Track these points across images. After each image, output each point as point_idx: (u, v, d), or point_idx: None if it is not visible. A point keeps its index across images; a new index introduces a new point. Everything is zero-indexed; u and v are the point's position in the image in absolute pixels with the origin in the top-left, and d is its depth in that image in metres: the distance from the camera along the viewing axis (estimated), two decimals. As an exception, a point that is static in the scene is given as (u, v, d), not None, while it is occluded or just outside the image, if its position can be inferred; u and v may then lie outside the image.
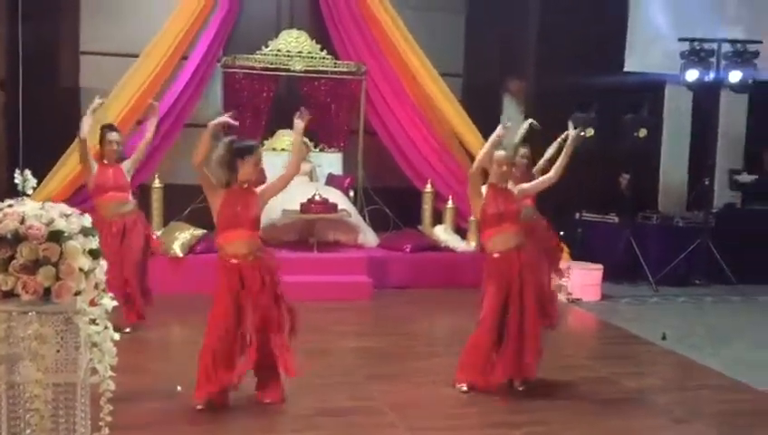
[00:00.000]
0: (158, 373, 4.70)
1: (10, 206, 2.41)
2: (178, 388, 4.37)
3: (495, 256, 4.69)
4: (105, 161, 5.81)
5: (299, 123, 4.49)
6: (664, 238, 8.74)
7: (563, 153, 5.00)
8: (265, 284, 4.25)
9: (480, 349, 4.71)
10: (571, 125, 5.35)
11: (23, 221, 2.32)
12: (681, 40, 8.48)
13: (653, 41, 9.13)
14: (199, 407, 4.22)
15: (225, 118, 4.33)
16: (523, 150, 6.46)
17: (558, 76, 8.58)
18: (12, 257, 2.30)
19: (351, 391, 4.76)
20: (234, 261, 4.23)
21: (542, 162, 6.06)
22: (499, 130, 4.68)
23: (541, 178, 5.03)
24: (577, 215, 8.86)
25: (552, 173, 4.90)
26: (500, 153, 4.71)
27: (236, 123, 4.39)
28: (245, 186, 4.28)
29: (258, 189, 4.36)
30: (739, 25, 8.96)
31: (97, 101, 5.69)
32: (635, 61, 9.16)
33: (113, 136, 5.81)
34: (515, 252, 4.68)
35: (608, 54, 8.94)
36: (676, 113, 9.79)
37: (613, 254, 8.38)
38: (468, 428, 4.27)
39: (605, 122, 8.62)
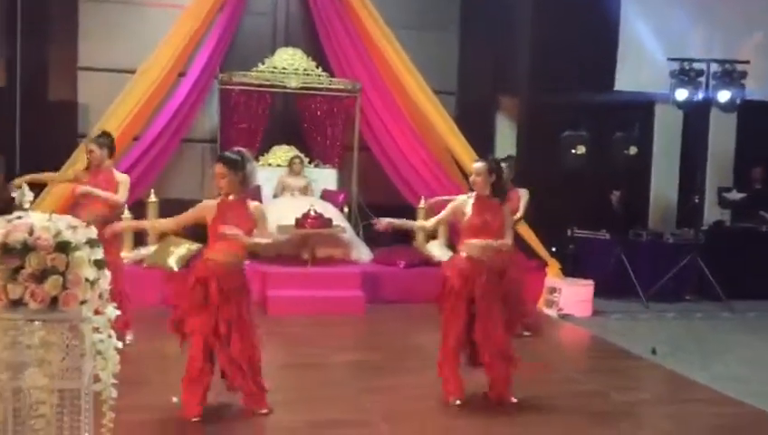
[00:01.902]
0: (154, 385, 4.74)
1: (18, 218, 2.49)
2: (174, 399, 4.41)
3: (463, 255, 4.76)
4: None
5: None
6: (654, 255, 8.85)
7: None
8: (241, 295, 4.36)
9: (449, 358, 4.78)
10: None
11: (31, 232, 2.40)
12: (670, 60, 8.64)
13: (643, 60, 9.29)
14: (195, 419, 4.28)
15: None
16: (505, 165, 6.58)
17: (550, 94, 8.73)
18: (20, 267, 2.38)
19: (344, 403, 4.82)
20: (213, 269, 4.29)
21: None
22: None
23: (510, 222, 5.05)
24: (569, 231, 8.97)
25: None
26: (478, 163, 4.84)
27: None
28: (232, 197, 4.34)
29: (254, 206, 4.42)
30: (725, 46, 9.14)
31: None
32: (625, 79, 9.32)
33: (89, 145, 5.86)
34: (484, 261, 4.74)
35: (599, 73, 9.10)
36: (666, 132, 9.95)
37: (604, 270, 8.48)
38: (459, 439, 4.34)
39: (596, 140, 8.76)
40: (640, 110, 9.44)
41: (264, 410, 4.45)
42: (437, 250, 8.54)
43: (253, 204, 4.42)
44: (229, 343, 4.32)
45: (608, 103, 9.01)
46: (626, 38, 9.36)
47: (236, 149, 4.53)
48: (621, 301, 8.47)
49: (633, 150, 8.85)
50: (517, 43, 9.61)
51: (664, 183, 10.00)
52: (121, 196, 5.82)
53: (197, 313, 4.29)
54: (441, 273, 4.97)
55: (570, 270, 8.45)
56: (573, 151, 8.66)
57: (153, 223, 4.68)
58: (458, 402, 4.76)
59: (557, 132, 8.76)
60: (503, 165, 6.39)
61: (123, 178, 5.93)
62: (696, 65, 8.57)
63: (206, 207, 4.38)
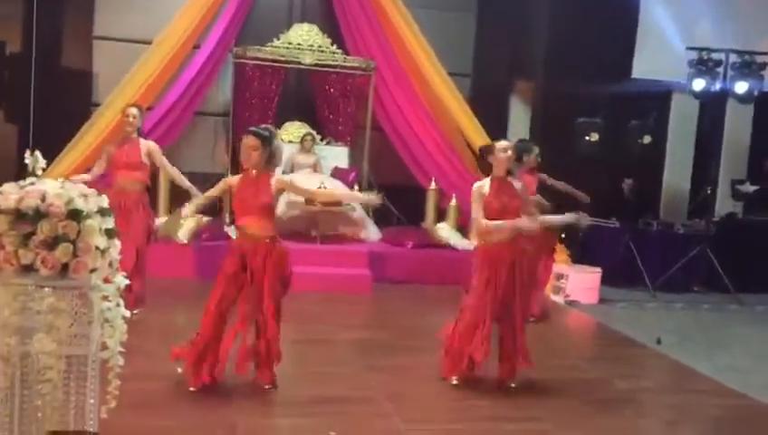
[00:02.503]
0: (159, 355, 4.78)
1: (31, 184, 2.50)
2: (179, 370, 4.46)
3: (487, 246, 4.78)
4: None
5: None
6: (664, 245, 8.81)
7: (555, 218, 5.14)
8: (269, 268, 4.37)
9: (465, 335, 4.80)
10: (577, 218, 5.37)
11: (43, 199, 2.41)
12: (689, 49, 8.55)
13: (661, 48, 9.18)
14: (192, 389, 4.33)
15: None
16: (535, 149, 6.59)
17: (566, 80, 8.66)
18: (32, 233, 2.40)
19: (348, 380, 4.86)
20: (244, 240, 4.37)
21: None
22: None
23: (533, 207, 5.04)
24: (578, 218, 8.92)
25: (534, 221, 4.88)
26: (502, 142, 4.83)
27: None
28: (254, 172, 4.38)
29: (276, 178, 4.45)
30: (744, 37, 9.02)
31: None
32: (642, 67, 9.22)
33: (131, 110, 5.94)
34: (508, 243, 4.76)
35: (615, 60, 9.01)
36: (682, 121, 9.87)
37: (613, 258, 8.45)
38: (461, 420, 4.36)
39: (610, 128, 8.70)
40: (657, 98, 9.37)
41: (269, 386, 4.49)
42: (446, 232, 8.54)
43: (274, 178, 4.45)
44: (253, 317, 4.39)
45: (624, 91, 8.94)
46: (645, 26, 9.26)
47: (264, 126, 4.59)
48: (628, 289, 8.45)
49: (647, 139, 8.81)
50: (534, 27, 9.52)
51: (677, 173, 9.94)
52: (170, 166, 6.20)
53: (222, 284, 4.35)
54: (473, 259, 4.96)
55: (578, 257, 8.43)
56: (587, 138, 8.62)
57: (198, 200, 4.84)
58: (455, 382, 4.78)
59: (571, 118, 8.71)
60: (537, 150, 6.49)
61: (152, 147, 6.00)
62: (715, 55, 8.47)
63: (230, 182, 4.49)
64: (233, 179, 4.51)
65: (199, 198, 4.80)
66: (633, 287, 8.49)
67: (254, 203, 4.35)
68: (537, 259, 6.36)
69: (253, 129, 4.50)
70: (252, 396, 4.40)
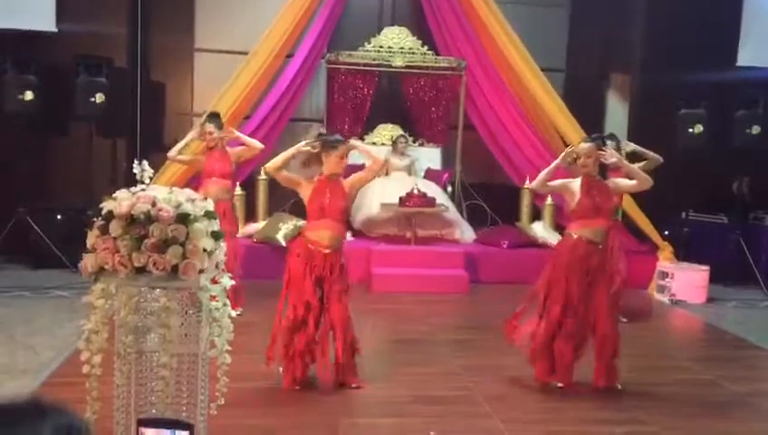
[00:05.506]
0: (261, 354, 4.91)
1: (142, 190, 2.63)
2: (280, 369, 4.57)
3: (576, 237, 4.62)
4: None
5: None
6: (777, 241, 8.35)
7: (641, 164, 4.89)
8: (338, 274, 4.44)
9: (547, 342, 4.69)
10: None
11: (154, 204, 2.53)
12: (800, 32, 8.07)
13: (768, 34, 8.71)
14: (297, 387, 4.43)
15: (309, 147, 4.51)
16: (612, 144, 6.33)
17: (665, 71, 8.35)
18: (144, 237, 2.52)
19: (447, 380, 4.84)
20: (312, 247, 4.41)
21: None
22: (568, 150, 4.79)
23: (633, 182, 4.68)
24: (683, 214, 8.58)
25: (639, 181, 4.63)
26: (584, 145, 4.66)
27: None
28: (333, 178, 4.45)
29: (346, 181, 4.52)
30: None
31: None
32: (749, 54, 8.76)
33: (208, 127, 6.14)
34: (599, 246, 4.60)
35: (719, 48, 8.60)
36: (793, 110, 9.29)
37: (721, 255, 8.07)
38: (562, 422, 4.26)
39: (716, 119, 8.31)
40: (765, 86, 8.86)
41: (355, 385, 4.54)
42: (541, 231, 8.39)
43: (347, 182, 4.54)
44: (324, 318, 4.45)
45: (729, 80, 8.51)
46: (750, 11, 8.79)
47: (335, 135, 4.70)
48: (739, 289, 8.06)
49: (756, 130, 8.35)
50: (630, 18, 9.21)
51: (789, 164, 9.37)
52: (256, 143, 6.34)
53: (296, 287, 4.42)
54: (553, 252, 4.86)
55: (683, 255, 8.09)
56: (690, 130, 8.27)
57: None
58: (560, 385, 4.69)
59: (672, 111, 8.38)
60: (613, 144, 6.18)
61: (236, 151, 6.22)
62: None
63: (304, 184, 4.50)
64: (307, 182, 4.50)
65: (287, 153, 4.56)
66: (744, 286, 8.08)
67: (332, 207, 4.42)
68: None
69: (342, 138, 4.58)
70: (351, 396, 4.46)
